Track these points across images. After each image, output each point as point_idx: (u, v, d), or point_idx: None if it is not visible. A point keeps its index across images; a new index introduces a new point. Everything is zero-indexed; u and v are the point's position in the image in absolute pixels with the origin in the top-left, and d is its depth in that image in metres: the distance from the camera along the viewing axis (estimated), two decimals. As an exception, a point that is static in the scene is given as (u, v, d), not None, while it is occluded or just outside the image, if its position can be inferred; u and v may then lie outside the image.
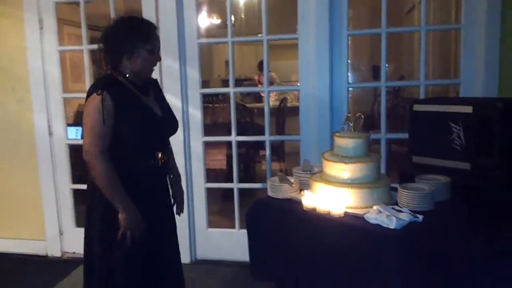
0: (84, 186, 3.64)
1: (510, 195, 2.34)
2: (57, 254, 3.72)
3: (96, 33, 5.86)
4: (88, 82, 3.47)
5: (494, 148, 2.21)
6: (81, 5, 3.41)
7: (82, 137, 2.04)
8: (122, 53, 2.00)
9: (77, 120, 4.88)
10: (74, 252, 3.71)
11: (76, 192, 3.72)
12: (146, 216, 2.03)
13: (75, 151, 3.88)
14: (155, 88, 2.23)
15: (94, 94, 1.94)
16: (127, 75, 2.04)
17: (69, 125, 3.85)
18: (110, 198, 1.94)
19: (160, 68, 3.23)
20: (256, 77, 8.06)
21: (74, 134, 4.32)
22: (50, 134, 3.61)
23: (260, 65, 7.27)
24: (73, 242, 3.70)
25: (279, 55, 7.49)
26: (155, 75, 3.21)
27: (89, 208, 2.10)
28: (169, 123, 2.19)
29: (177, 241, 2.29)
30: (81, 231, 3.62)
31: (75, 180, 3.74)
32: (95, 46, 4.90)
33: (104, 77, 2.08)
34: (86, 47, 3.49)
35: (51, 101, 3.57)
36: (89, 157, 1.93)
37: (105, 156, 1.93)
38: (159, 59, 2.11)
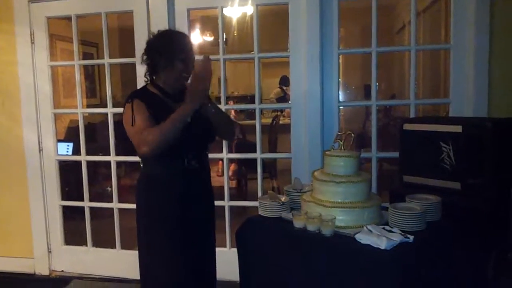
0: (73, 203, 3.60)
1: (500, 214, 2.34)
2: (45, 272, 3.65)
3: (89, 48, 5.94)
4: (79, 98, 3.46)
5: (484, 167, 2.22)
6: (73, 20, 3.42)
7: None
8: (159, 65, 2.16)
9: (68, 135, 4.86)
10: (62, 271, 3.65)
11: (65, 209, 3.68)
12: (177, 221, 2.19)
13: (65, 167, 3.85)
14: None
15: (127, 104, 2.12)
16: (162, 86, 2.20)
17: (59, 140, 3.83)
18: (172, 126, 2.01)
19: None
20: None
21: (65, 150, 4.30)
22: (40, 150, 3.58)
23: (282, 81, 7.78)
24: (62, 260, 3.66)
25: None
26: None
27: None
28: (198, 129, 2.20)
29: (214, 259, 2.41)
30: (69, 249, 3.62)
31: (64, 196, 3.71)
32: (87, 62, 4.91)
33: (135, 90, 2.29)
34: (77, 63, 3.48)
35: (41, 117, 3.55)
36: (143, 149, 2.02)
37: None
38: (192, 67, 2.17)
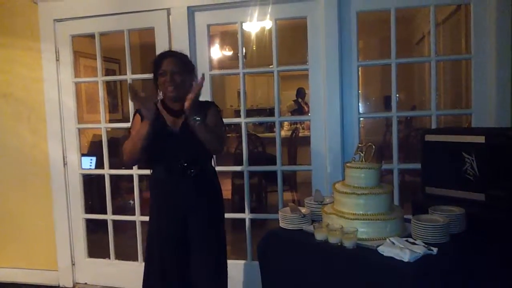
0: (96, 216, 3.68)
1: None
2: (69, 284, 3.70)
3: (111, 64, 6.06)
4: (103, 113, 3.53)
5: (508, 178, 2.18)
6: (96, 38, 3.51)
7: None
8: (154, 84, 2.43)
9: (91, 150, 4.95)
10: (86, 283, 3.69)
11: (88, 222, 3.74)
12: (159, 227, 2.43)
13: (88, 180, 3.92)
14: (199, 110, 2.32)
15: None
16: (165, 102, 2.44)
17: (83, 155, 3.90)
18: (140, 138, 2.25)
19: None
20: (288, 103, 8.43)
21: (88, 164, 4.38)
22: (65, 164, 3.65)
23: (299, 93, 7.89)
24: (85, 272, 3.70)
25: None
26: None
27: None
28: (183, 140, 2.34)
29: (209, 267, 2.49)
30: (93, 261, 3.67)
31: (88, 210, 3.77)
32: (110, 78, 5.03)
33: None
34: (101, 79, 3.57)
35: (66, 132, 3.63)
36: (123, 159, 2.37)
37: None
38: (171, 80, 2.33)
